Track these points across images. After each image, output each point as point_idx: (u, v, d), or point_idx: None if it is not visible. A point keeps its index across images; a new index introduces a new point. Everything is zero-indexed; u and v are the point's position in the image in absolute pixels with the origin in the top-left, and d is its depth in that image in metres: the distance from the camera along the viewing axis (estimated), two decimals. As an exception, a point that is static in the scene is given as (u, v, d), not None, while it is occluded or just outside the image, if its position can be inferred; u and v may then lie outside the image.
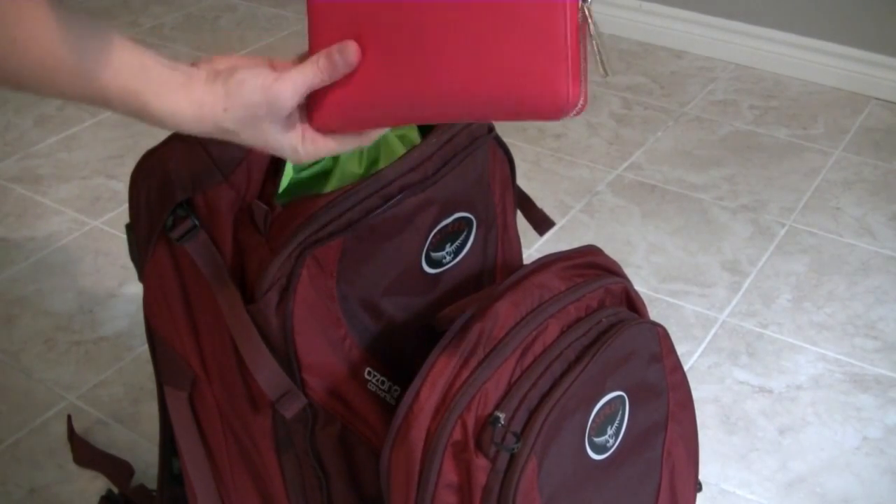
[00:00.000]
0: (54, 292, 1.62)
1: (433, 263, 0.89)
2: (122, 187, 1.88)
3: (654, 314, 0.94)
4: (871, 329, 1.59)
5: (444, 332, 0.82)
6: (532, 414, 0.78)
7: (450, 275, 0.92)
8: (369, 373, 0.86)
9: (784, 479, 1.33)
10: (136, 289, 1.61)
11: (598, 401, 0.82)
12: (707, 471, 1.33)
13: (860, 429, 1.41)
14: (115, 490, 1.25)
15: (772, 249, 1.77)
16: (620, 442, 0.86)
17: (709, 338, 1.57)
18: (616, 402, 0.84)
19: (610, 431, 0.84)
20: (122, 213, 1.80)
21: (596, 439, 0.83)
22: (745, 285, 1.68)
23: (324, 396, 0.85)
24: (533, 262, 0.89)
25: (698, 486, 1.00)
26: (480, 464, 0.77)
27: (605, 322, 0.85)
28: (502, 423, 0.77)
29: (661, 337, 0.90)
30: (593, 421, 0.82)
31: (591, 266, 0.91)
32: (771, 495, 1.31)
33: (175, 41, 2.42)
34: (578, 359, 0.81)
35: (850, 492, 1.31)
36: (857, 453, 1.37)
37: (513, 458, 0.76)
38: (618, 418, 0.85)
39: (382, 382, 0.87)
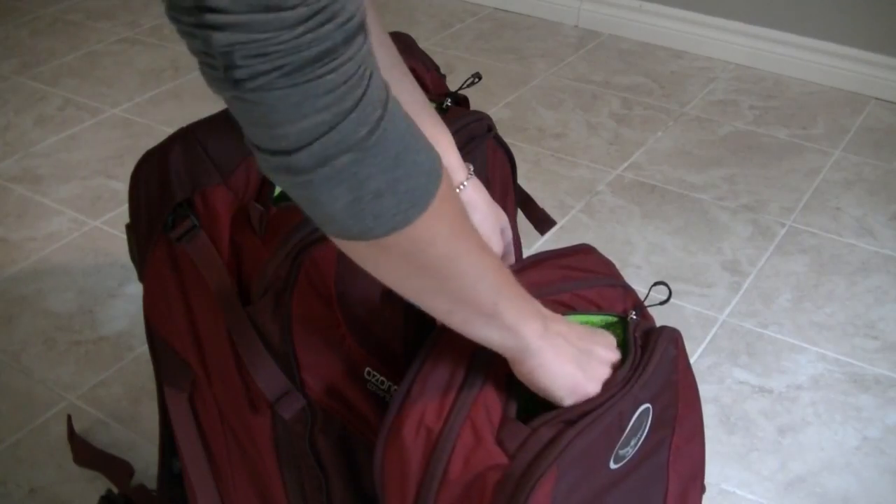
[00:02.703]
0: (54, 292, 1.62)
1: (432, 263, 0.89)
2: (122, 187, 1.88)
3: (653, 314, 0.94)
4: (871, 329, 1.59)
5: (436, 328, 0.82)
6: (566, 427, 0.77)
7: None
8: (368, 373, 0.86)
9: (784, 479, 1.33)
10: (136, 289, 1.61)
11: (631, 416, 0.81)
12: (707, 471, 1.32)
13: (860, 429, 1.41)
14: (115, 490, 1.24)
15: (772, 249, 1.77)
16: (637, 450, 0.85)
17: (709, 338, 1.57)
18: (643, 415, 0.83)
19: (633, 443, 0.83)
20: (122, 213, 1.80)
21: (620, 451, 0.82)
22: (745, 285, 1.68)
23: (323, 396, 0.85)
24: (526, 259, 0.89)
25: (702, 488, 1.00)
26: (499, 459, 0.76)
27: (639, 338, 0.84)
28: (532, 427, 0.76)
29: (677, 342, 0.89)
30: (626, 436, 0.81)
31: (583, 270, 0.90)
32: (771, 495, 1.31)
33: (175, 41, 2.42)
34: (626, 380, 0.81)
35: (850, 492, 1.31)
36: (857, 453, 1.37)
37: (534, 463, 0.75)
38: (642, 429, 0.84)
39: (382, 382, 0.87)
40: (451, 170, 0.87)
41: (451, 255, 0.68)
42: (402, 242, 0.64)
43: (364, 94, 0.57)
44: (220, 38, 0.54)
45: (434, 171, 0.63)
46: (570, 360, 0.77)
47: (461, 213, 0.69)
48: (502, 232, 0.95)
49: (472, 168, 0.90)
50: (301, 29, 0.54)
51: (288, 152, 0.58)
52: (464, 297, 0.70)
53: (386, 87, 0.60)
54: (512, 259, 0.99)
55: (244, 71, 0.55)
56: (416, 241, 0.64)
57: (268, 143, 0.59)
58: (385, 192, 0.61)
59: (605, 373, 0.80)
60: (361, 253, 0.66)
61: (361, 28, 0.57)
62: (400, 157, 0.60)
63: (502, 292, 0.72)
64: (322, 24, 0.55)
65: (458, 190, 0.88)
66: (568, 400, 0.78)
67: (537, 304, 0.77)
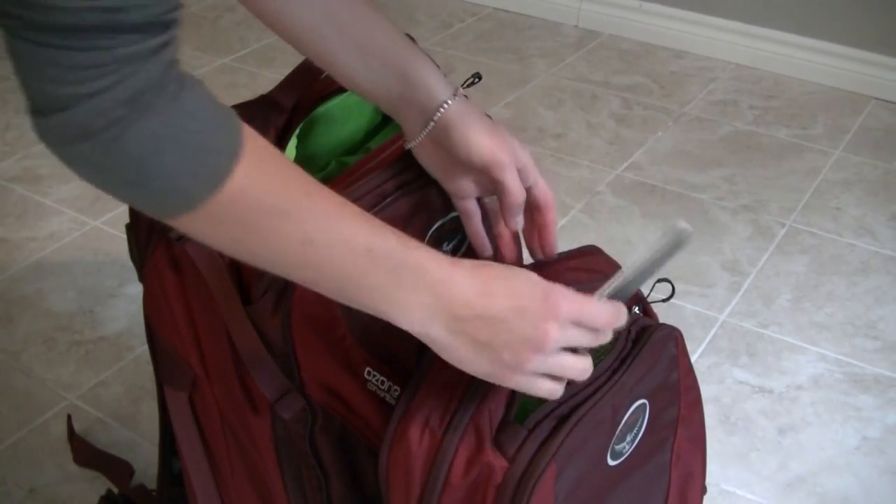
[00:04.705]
0: (54, 292, 1.62)
1: (432, 263, 0.89)
2: (122, 187, 1.88)
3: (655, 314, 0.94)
4: (871, 329, 1.59)
5: None
6: (560, 423, 0.77)
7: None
8: (369, 373, 0.86)
9: (784, 479, 1.33)
10: (136, 289, 1.61)
11: (626, 411, 0.81)
12: (707, 471, 1.32)
13: (860, 429, 1.41)
14: (115, 490, 1.25)
15: (772, 249, 1.77)
16: (635, 447, 0.85)
17: (709, 338, 1.57)
18: (639, 410, 0.83)
19: (629, 438, 0.83)
20: (122, 213, 1.80)
21: (616, 447, 0.82)
22: (745, 285, 1.68)
23: (323, 396, 0.85)
24: (532, 263, 0.89)
25: (703, 489, 1.00)
26: (498, 463, 0.76)
27: (633, 331, 0.84)
28: (528, 427, 0.76)
29: (678, 340, 0.89)
30: (620, 430, 0.82)
31: (590, 270, 0.90)
32: (771, 495, 1.31)
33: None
34: (614, 371, 0.80)
35: (850, 492, 1.31)
36: (856, 453, 1.37)
37: (533, 462, 0.75)
38: (637, 425, 0.84)
39: (382, 382, 0.87)
40: (433, 90, 0.81)
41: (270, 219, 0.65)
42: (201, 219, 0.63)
43: (108, 88, 0.56)
44: None
45: (207, 171, 0.61)
46: (471, 353, 0.72)
47: (278, 196, 0.65)
48: (517, 152, 0.84)
49: (459, 88, 0.84)
50: None
51: (41, 113, 0.58)
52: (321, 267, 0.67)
53: (160, 92, 0.58)
54: (530, 181, 0.87)
55: None
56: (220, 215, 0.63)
57: (28, 103, 0.58)
58: (144, 182, 0.60)
59: (516, 358, 0.72)
60: (183, 225, 0.64)
61: (140, 29, 0.56)
62: (146, 159, 0.59)
63: (358, 268, 0.68)
64: (82, 2, 0.54)
65: (442, 109, 0.81)
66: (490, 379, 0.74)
67: (425, 276, 0.70)
